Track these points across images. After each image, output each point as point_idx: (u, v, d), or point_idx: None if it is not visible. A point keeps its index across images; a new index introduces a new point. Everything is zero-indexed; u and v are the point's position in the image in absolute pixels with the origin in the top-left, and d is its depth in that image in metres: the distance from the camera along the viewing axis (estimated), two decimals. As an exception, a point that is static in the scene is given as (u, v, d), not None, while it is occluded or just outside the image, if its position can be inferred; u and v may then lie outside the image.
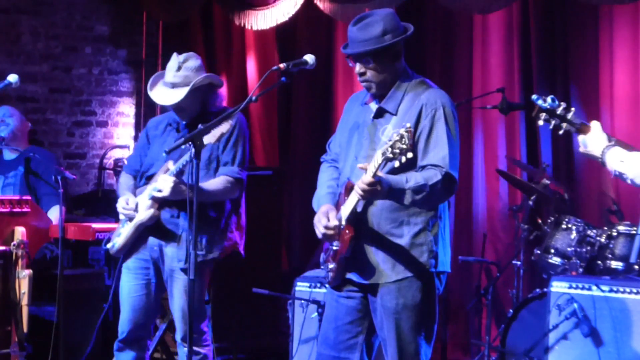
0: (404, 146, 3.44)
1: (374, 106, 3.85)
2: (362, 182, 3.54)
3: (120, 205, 4.67)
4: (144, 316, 4.72)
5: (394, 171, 3.65)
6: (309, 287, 5.37)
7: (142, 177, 4.77)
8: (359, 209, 3.75)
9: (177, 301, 4.63)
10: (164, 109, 5.00)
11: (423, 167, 3.69)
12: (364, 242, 3.77)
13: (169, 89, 4.66)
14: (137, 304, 4.71)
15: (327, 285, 4.00)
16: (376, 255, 3.77)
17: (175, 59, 4.69)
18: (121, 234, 4.71)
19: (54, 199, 5.89)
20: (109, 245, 4.78)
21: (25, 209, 5.41)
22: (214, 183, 4.58)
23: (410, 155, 3.46)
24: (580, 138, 3.64)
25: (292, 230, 7.76)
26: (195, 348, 4.64)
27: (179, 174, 4.51)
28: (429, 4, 6.73)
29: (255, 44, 8.02)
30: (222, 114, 4.57)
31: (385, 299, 3.77)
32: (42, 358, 5.33)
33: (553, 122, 3.65)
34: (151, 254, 4.69)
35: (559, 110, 3.63)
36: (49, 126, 7.92)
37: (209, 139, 4.28)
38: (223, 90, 4.83)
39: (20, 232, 5.30)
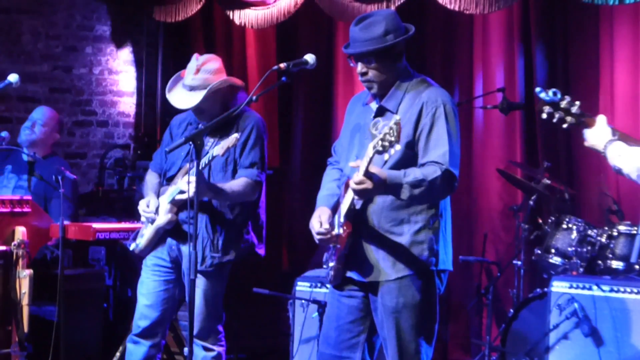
0: (392, 138, 3.43)
1: (374, 106, 3.86)
2: (353, 181, 3.55)
3: (141, 208, 4.67)
4: (161, 313, 4.72)
5: (394, 167, 3.66)
6: (310, 287, 5.38)
7: (165, 177, 4.79)
8: (358, 207, 3.76)
9: (196, 300, 4.61)
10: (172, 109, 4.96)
11: (423, 165, 3.70)
12: (364, 240, 3.78)
13: (187, 91, 4.64)
14: (155, 300, 4.71)
15: (328, 285, 4.01)
16: (376, 253, 3.77)
17: (194, 61, 4.66)
18: (144, 235, 4.74)
19: (57, 202, 5.88)
20: (132, 246, 4.79)
21: (25, 209, 5.41)
22: (234, 184, 4.58)
23: (398, 147, 3.45)
24: (585, 132, 3.62)
25: (292, 229, 7.75)
26: (210, 345, 4.68)
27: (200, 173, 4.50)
28: (429, 4, 6.72)
29: (255, 43, 8.01)
30: (242, 115, 4.63)
31: (385, 298, 3.77)
32: (43, 358, 5.33)
33: (557, 115, 3.60)
34: (170, 253, 4.71)
35: (563, 104, 3.59)
36: (50, 126, 7.91)
37: (217, 150, 4.35)
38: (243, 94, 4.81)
39: (20, 232, 5.30)
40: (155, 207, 4.64)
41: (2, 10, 7.61)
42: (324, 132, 7.54)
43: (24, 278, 5.25)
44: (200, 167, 4.45)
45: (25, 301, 5.25)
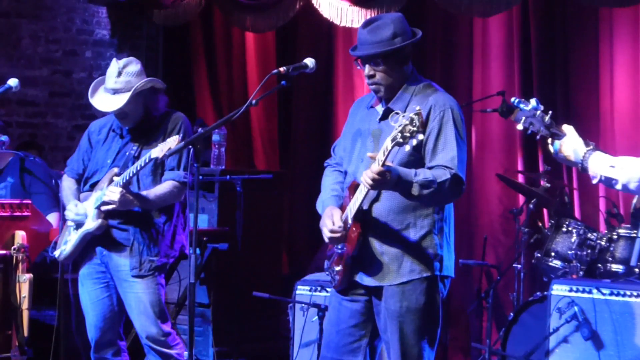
0: (414, 128, 3.40)
1: (380, 108, 3.85)
2: (371, 171, 3.52)
3: (70, 211, 4.64)
4: (109, 320, 4.70)
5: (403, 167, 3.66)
6: (310, 290, 5.37)
7: (86, 183, 4.73)
8: (365, 207, 3.75)
9: (134, 305, 4.63)
10: None
11: (431, 168, 3.69)
12: (370, 243, 3.78)
13: (110, 95, 4.61)
14: (100, 309, 4.69)
15: (329, 289, 4.00)
16: (382, 257, 3.76)
17: (115, 65, 4.65)
18: (68, 242, 4.68)
19: (43, 198, 5.87)
20: (56, 253, 4.73)
21: (25, 213, 5.40)
22: (161, 189, 4.56)
23: (421, 137, 3.41)
24: (556, 143, 3.50)
25: (292, 233, 7.76)
26: (165, 350, 4.65)
27: (126, 184, 4.48)
28: (429, 7, 6.73)
29: (255, 47, 8.02)
30: (167, 117, 4.65)
31: (389, 301, 3.77)
32: (43, 362, 5.33)
33: (531, 127, 3.53)
34: (102, 260, 4.68)
35: (538, 114, 3.50)
36: (50, 130, 7.93)
37: (156, 152, 4.33)
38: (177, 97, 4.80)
39: (20, 236, 5.30)
40: (84, 212, 4.60)
41: (2, 14, 7.62)
42: (324, 135, 7.55)
43: (24, 282, 5.24)
44: (135, 172, 4.46)
45: (25, 305, 5.25)
